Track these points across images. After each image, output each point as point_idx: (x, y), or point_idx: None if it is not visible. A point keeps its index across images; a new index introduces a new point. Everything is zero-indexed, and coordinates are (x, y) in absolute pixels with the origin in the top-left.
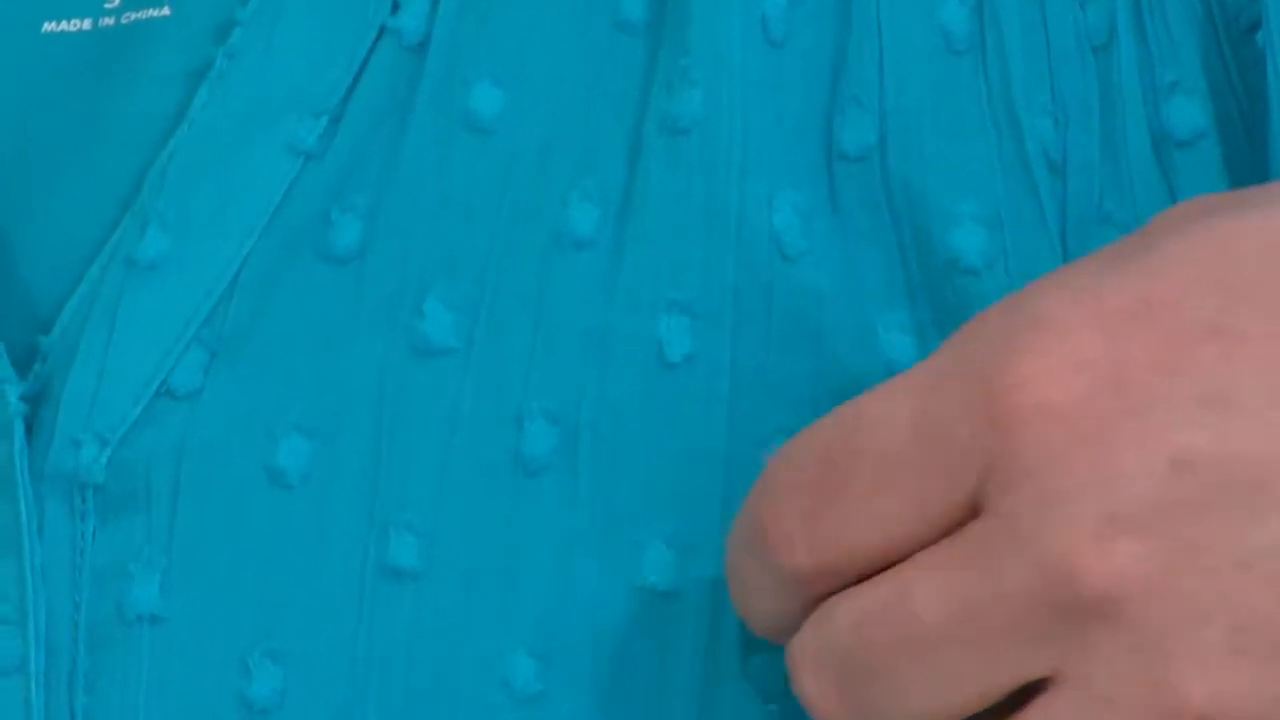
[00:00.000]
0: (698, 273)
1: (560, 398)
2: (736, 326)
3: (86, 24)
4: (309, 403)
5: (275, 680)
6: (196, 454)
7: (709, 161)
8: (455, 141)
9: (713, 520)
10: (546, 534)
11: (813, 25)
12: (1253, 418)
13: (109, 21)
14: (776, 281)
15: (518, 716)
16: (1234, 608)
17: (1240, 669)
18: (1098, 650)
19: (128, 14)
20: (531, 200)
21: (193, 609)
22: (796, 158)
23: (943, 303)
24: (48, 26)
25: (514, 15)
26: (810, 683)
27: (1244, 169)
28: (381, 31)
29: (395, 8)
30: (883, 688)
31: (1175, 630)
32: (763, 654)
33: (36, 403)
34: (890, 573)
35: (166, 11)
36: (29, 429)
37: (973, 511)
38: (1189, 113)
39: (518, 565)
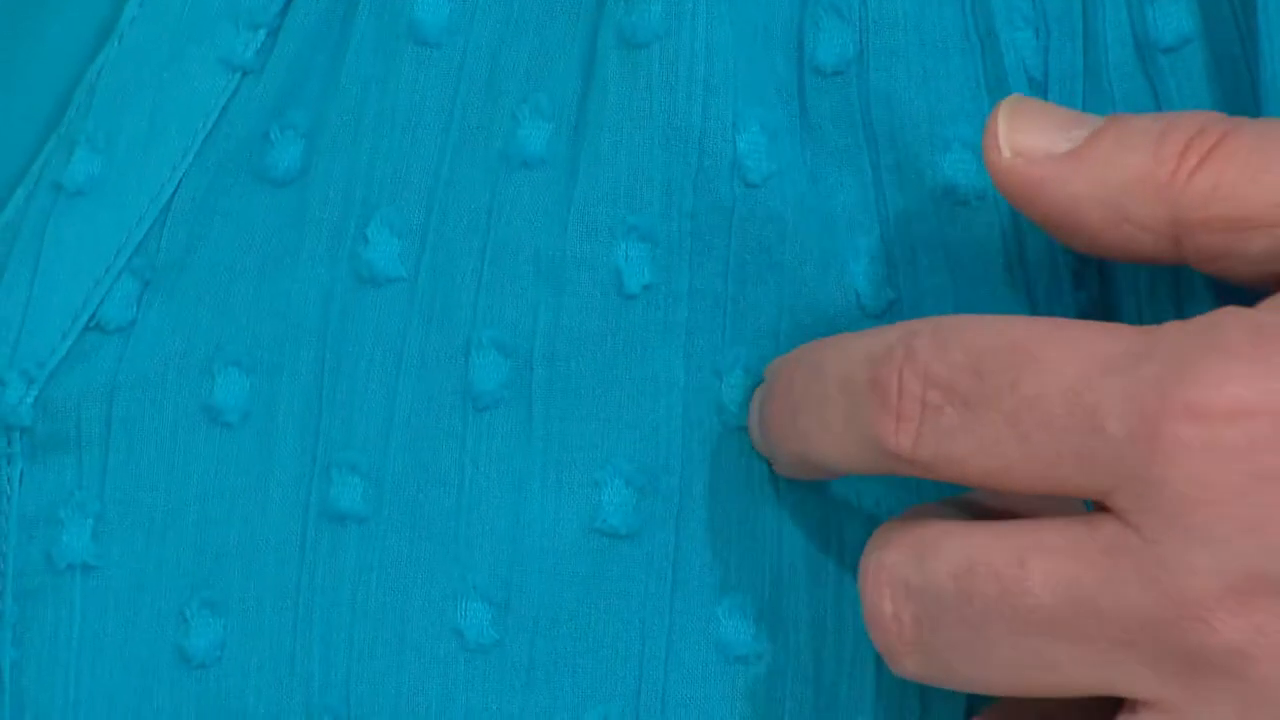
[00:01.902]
0: (657, 197)
1: (512, 327)
2: (695, 255)
3: None
4: (248, 336)
5: (214, 631)
6: (129, 391)
7: (669, 78)
8: (399, 55)
9: (673, 458)
10: (499, 473)
11: None
12: None
13: None
14: (738, 208)
15: (471, 667)
16: None
17: None
18: (1211, 700)
19: None
20: (480, 117)
21: (127, 557)
22: (764, 73)
23: (924, 232)
24: None
25: None
26: (886, 605)
27: (1232, 76)
28: None
29: None
30: (966, 642)
31: None
32: (731, 596)
33: None
34: (1011, 532)
35: None
36: None
37: (1101, 504)
38: (1175, 17)
39: (469, 506)
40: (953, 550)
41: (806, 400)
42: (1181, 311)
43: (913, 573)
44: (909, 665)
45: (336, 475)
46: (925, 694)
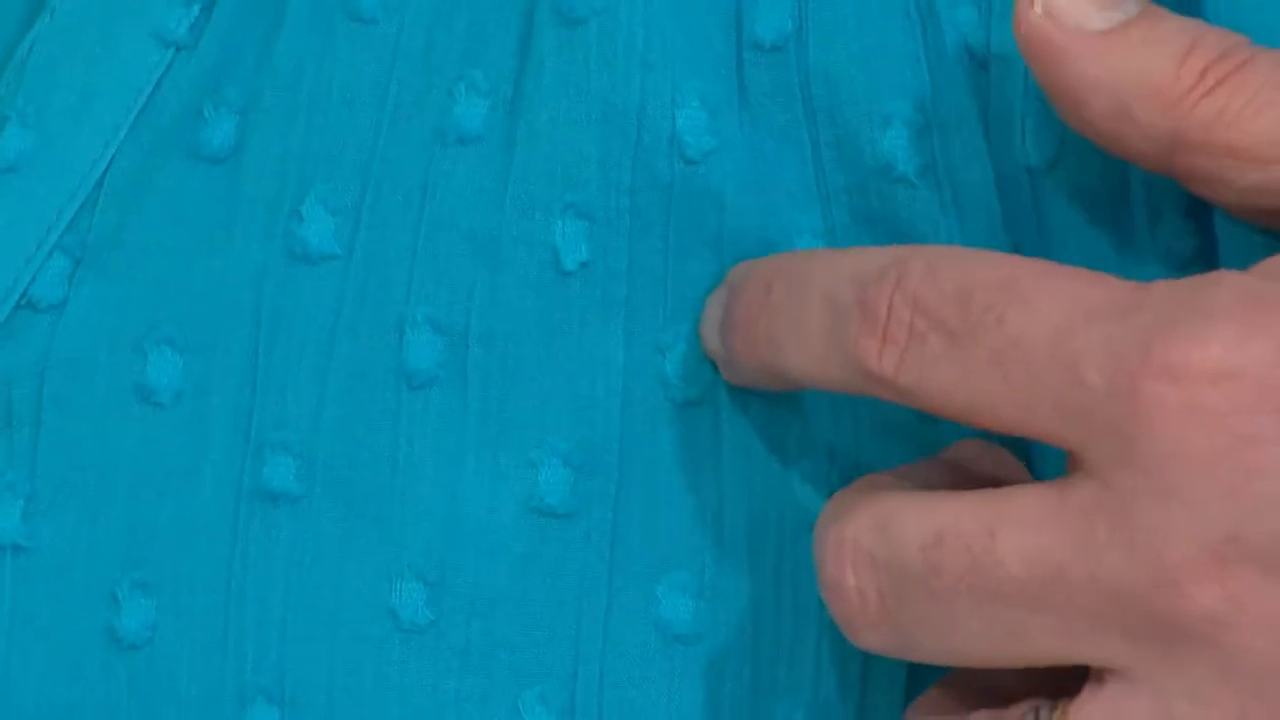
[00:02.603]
0: (595, 174)
1: (447, 305)
2: (634, 232)
3: None
4: (180, 314)
5: (145, 613)
6: (61, 370)
7: (608, 53)
8: (335, 30)
9: (611, 436)
10: (434, 452)
11: None
12: None
13: None
14: (677, 185)
15: (406, 648)
16: None
17: None
18: (1184, 667)
19: None
20: (416, 93)
21: (58, 537)
22: (703, 49)
23: (865, 209)
24: None
25: None
26: (849, 579)
27: None
28: None
29: None
30: (933, 615)
31: (1277, 675)
32: (670, 575)
33: None
34: (980, 502)
35: None
36: None
37: (1076, 456)
38: None
39: (403, 486)
40: (919, 521)
41: (786, 310)
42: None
43: (877, 545)
44: (871, 639)
45: (269, 455)
46: (866, 673)
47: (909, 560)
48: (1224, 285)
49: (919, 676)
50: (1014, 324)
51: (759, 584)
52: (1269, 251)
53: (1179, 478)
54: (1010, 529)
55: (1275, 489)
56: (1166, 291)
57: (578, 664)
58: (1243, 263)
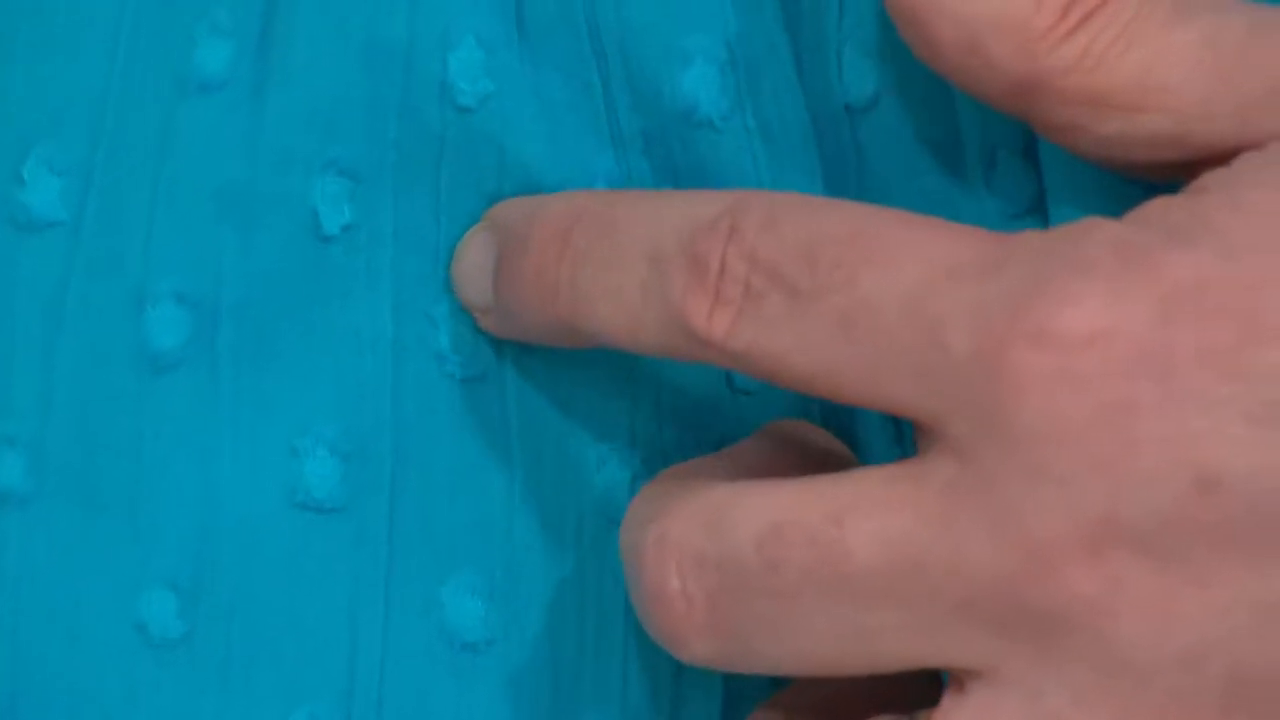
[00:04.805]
0: (359, 124)
1: (193, 276)
2: (399, 190)
3: None
4: None
5: None
6: None
7: None
8: None
9: (384, 419)
10: (183, 442)
11: None
12: None
13: None
14: (448, 136)
15: (158, 665)
16: (1238, 656)
17: None
18: (1059, 663)
19: None
20: (151, 37)
21: None
22: None
23: (665, 156)
24: None
25: None
26: (673, 582)
27: None
28: None
29: None
30: (772, 618)
31: (1163, 668)
32: (457, 575)
33: None
34: (823, 487)
35: None
36: None
37: (931, 431)
38: None
39: (149, 481)
40: (753, 514)
41: (591, 259)
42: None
43: (706, 543)
44: (699, 649)
45: None
46: (679, 686)
47: (743, 558)
48: (1096, 235)
49: (736, 685)
50: (865, 284)
51: (557, 585)
52: (1113, 196)
53: (1049, 452)
54: (859, 516)
55: (1155, 463)
56: (1034, 243)
57: (354, 678)
58: (1077, 212)
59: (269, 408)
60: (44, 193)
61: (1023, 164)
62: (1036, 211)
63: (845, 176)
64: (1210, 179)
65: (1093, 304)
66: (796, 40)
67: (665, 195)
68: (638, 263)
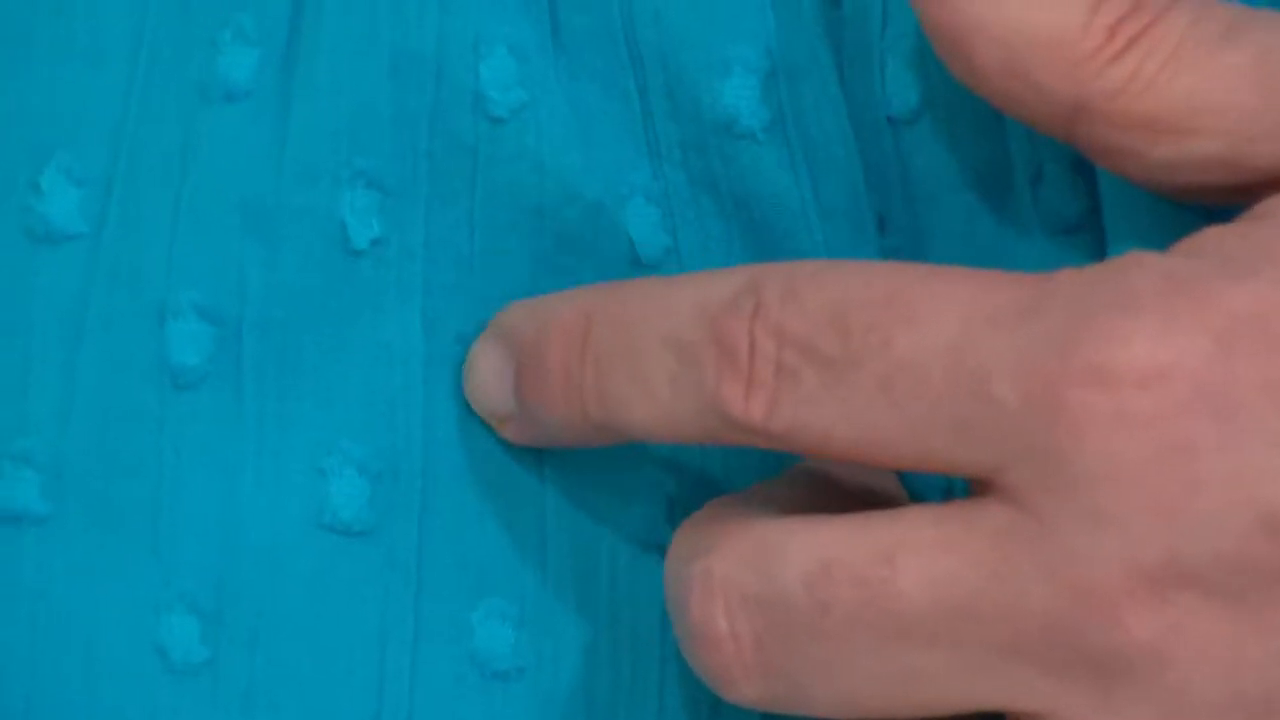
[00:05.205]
0: (387, 136)
1: (217, 290)
2: (432, 203)
3: None
4: None
5: None
6: None
7: None
8: None
9: (414, 439)
10: (206, 461)
11: None
12: None
13: None
14: (482, 147)
15: (179, 691)
16: None
17: None
18: (1119, 705)
19: None
20: (174, 44)
21: None
22: None
23: (704, 169)
24: None
25: None
26: (721, 622)
27: None
28: None
29: None
30: (823, 659)
31: (1227, 711)
32: (488, 601)
33: None
34: (873, 526)
35: None
36: None
37: (985, 483)
38: None
39: (170, 501)
40: (802, 552)
41: (615, 358)
42: (1010, 257)
43: (754, 582)
44: (749, 691)
45: (7, 468)
46: (716, 718)
47: (793, 597)
48: (1141, 269)
49: (776, 716)
50: (902, 345)
51: (590, 613)
52: (1164, 214)
53: (1108, 495)
54: (911, 554)
55: (1216, 504)
56: (1074, 282)
57: (381, 705)
58: (1131, 228)
59: (295, 426)
60: (63, 204)
61: (1071, 178)
62: (1085, 228)
63: (888, 190)
64: (1268, 205)
65: (1144, 340)
66: (838, 51)
67: (674, 279)
68: (662, 355)
